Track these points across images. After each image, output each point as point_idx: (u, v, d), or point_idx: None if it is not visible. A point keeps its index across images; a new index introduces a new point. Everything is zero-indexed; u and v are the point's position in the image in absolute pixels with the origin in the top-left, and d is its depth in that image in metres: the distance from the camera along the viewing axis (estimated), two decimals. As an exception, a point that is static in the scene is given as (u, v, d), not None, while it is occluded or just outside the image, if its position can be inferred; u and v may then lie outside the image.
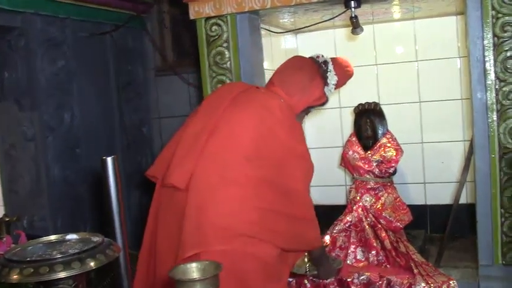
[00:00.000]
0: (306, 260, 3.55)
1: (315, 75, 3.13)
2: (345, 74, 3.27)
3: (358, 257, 3.99)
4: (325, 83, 3.14)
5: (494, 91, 3.35)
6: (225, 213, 2.72)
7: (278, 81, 3.11)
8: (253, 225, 2.74)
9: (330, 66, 3.17)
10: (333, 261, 3.59)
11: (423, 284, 3.49)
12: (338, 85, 3.21)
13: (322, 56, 3.23)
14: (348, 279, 3.67)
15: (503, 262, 3.43)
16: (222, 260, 1.92)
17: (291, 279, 3.72)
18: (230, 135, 2.85)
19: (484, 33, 3.35)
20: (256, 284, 2.77)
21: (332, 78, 3.15)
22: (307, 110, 3.19)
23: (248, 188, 2.75)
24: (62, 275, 1.50)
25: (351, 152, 4.32)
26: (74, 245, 1.67)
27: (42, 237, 1.79)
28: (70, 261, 1.53)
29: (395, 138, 4.25)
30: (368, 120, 4.33)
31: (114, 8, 4.78)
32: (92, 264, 1.55)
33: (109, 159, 2.09)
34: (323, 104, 3.22)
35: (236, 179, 2.76)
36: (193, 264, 1.88)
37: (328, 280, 3.66)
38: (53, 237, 1.76)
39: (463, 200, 4.19)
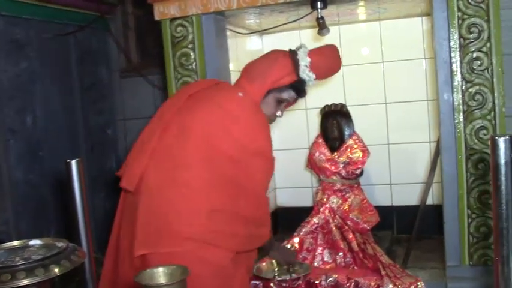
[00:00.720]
0: (274, 263, 3.54)
1: (280, 57, 3.07)
2: (325, 53, 3.17)
3: (326, 259, 3.98)
4: (296, 65, 3.02)
5: (460, 92, 3.36)
6: (175, 215, 2.72)
7: (244, 72, 3.09)
8: (203, 228, 2.72)
9: (303, 49, 3.08)
10: (300, 265, 3.59)
11: (391, 286, 3.48)
12: (318, 66, 3.05)
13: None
14: (316, 281, 3.65)
15: (471, 263, 3.45)
16: (173, 261, 1.93)
17: (257, 282, 3.69)
18: (181, 135, 2.82)
19: (450, 35, 3.36)
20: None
21: (303, 59, 3.02)
22: (277, 98, 3.07)
23: (200, 190, 2.73)
24: (25, 282, 1.45)
25: (317, 154, 4.31)
26: (37, 251, 1.62)
27: (5, 242, 1.74)
28: (33, 268, 1.48)
29: (361, 140, 4.25)
30: (334, 122, 4.33)
31: (78, 9, 4.72)
32: (56, 270, 1.51)
33: (73, 162, 2.05)
34: (299, 91, 3.11)
35: (187, 181, 2.75)
36: (160, 269, 1.86)
37: (294, 277, 3.63)
38: (15, 243, 1.71)
39: (429, 201, 4.20)
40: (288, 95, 3.09)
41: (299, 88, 3.09)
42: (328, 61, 3.18)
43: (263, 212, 2.99)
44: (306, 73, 3.02)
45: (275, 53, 3.15)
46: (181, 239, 2.70)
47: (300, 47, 3.10)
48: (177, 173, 2.77)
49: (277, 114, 3.15)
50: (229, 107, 2.87)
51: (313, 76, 3.05)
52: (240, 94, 2.95)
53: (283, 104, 3.14)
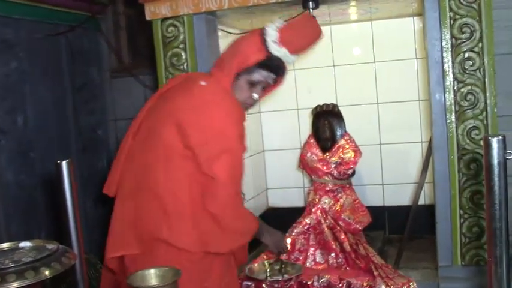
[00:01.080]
0: (266, 264, 3.53)
1: (249, 36, 2.98)
2: (298, 25, 3.04)
3: (318, 260, 3.97)
4: (264, 40, 2.83)
5: (452, 92, 3.36)
6: (142, 218, 2.74)
7: (217, 59, 3.05)
8: (169, 231, 2.70)
9: (273, 24, 2.88)
10: (292, 266, 3.58)
11: (383, 286, 3.47)
12: (289, 40, 2.85)
13: None
14: (308, 282, 3.64)
15: (463, 263, 3.45)
16: (145, 264, 1.94)
17: (249, 283, 3.68)
18: (148, 137, 2.83)
19: (442, 35, 3.36)
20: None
21: (270, 34, 2.83)
22: (248, 81, 2.90)
23: (164, 192, 2.72)
24: (15, 285, 1.43)
25: (309, 154, 4.30)
26: (27, 253, 1.60)
27: (-5, 244, 1.72)
28: (23, 271, 1.46)
29: (353, 140, 4.24)
30: (326, 122, 4.32)
31: (69, 9, 4.69)
32: (47, 273, 1.49)
33: (64, 163, 2.04)
34: (273, 69, 2.91)
35: (152, 184, 2.74)
36: (152, 271, 1.86)
37: (286, 279, 3.61)
38: (5, 245, 1.69)
39: (421, 201, 4.18)
40: (259, 75, 2.90)
41: (270, 65, 2.90)
42: (301, 33, 3.00)
43: (233, 209, 2.80)
44: (275, 49, 2.83)
45: (246, 34, 3.09)
46: (150, 241, 2.72)
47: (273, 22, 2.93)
48: (145, 176, 2.77)
49: (253, 97, 2.96)
50: (192, 97, 2.79)
51: (285, 51, 2.85)
52: (203, 83, 2.86)
53: (259, 86, 2.95)
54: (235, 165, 2.77)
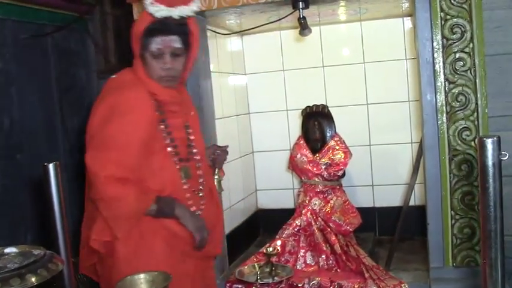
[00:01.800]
0: (256, 267, 3.50)
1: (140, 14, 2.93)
2: None
3: (308, 262, 3.96)
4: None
5: (443, 93, 3.35)
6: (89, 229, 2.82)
7: None
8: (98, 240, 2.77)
9: None
10: (283, 268, 3.55)
11: (374, 288, 3.47)
12: None
13: None
14: (299, 285, 3.63)
15: (454, 264, 3.44)
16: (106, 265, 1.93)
17: (240, 286, 3.66)
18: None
19: (433, 35, 3.35)
20: None
21: None
22: (151, 55, 2.79)
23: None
24: (0, 292, 1.40)
25: (299, 155, 4.28)
26: (13, 259, 1.56)
27: (-21, 250, 1.68)
28: (8, 278, 1.42)
29: (343, 141, 4.23)
30: (316, 123, 4.30)
31: (56, 9, 4.65)
32: (33, 280, 1.45)
33: (51, 166, 2.01)
34: (163, 30, 2.75)
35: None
36: (142, 275, 1.85)
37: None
38: (-11, 251, 1.66)
39: (411, 202, 4.17)
40: (156, 43, 2.77)
41: (158, 28, 2.75)
42: None
43: (106, 193, 2.70)
44: (153, 10, 2.69)
45: None
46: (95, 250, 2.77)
47: None
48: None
49: (164, 68, 2.80)
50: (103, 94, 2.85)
51: (163, 7, 2.69)
52: (113, 76, 2.91)
53: (165, 55, 2.79)
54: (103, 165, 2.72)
